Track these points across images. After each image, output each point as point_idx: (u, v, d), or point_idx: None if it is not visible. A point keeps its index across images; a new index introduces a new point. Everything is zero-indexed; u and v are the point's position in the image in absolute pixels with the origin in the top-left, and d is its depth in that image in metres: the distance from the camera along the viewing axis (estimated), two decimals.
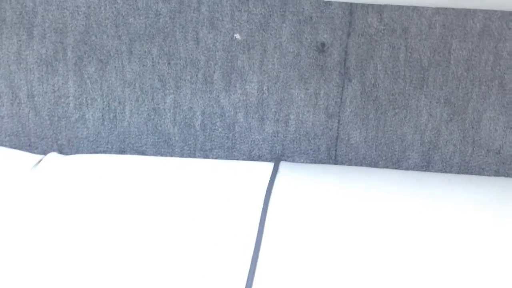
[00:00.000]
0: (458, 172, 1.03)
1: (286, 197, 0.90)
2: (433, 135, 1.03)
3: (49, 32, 1.03)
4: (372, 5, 0.97)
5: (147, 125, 1.07)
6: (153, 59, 1.03)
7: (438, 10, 0.97)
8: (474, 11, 0.96)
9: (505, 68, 0.98)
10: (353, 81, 1.01)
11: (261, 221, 0.85)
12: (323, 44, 1.01)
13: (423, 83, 1.00)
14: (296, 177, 0.95)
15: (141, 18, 1.01)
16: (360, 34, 0.99)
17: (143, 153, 1.08)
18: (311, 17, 0.99)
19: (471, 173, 1.03)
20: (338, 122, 1.04)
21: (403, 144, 1.04)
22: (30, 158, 1.00)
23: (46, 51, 1.04)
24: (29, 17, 1.02)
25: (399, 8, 0.97)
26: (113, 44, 1.03)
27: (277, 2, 0.99)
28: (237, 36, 0.98)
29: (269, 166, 0.98)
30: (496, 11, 0.95)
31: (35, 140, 1.09)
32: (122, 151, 1.08)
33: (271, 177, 0.94)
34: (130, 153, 1.09)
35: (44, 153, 1.06)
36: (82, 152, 1.08)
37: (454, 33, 0.97)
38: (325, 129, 1.04)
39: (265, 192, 0.90)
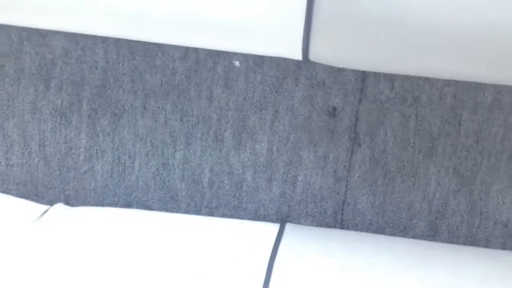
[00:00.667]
0: (465, 243, 1.03)
1: (291, 261, 0.89)
2: (441, 204, 1.03)
3: (66, 84, 1.05)
4: (384, 74, 0.99)
5: (155, 180, 1.07)
6: (166, 115, 1.05)
7: (449, 82, 0.99)
8: (485, 84, 0.98)
9: None
10: (362, 146, 1.02)
11: (264, 284, 0.84)
12: (334, 109, 1.02)
13: (432, 152, 1.01)
14: (302, 241, 0.94)
15: (158, 75, 1.03)
16: (371, 100, 1.01)
17: (149, 207, 1.08)
18: (324, 82, 1.01)
19: (478, 245, 1.02)
20: (346, 186, 1.04)
21: (410, 212, 1.03)
22: (36, 208, 1.00)
23: (62, 102, 1.05)
24: (47, 69, 1.05)
25: (411, 77, 0.99)
26: (128, 99, 1.05)
27: (291, 66, 1.01)
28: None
29: (275, 227, 0.97)
30: (506, 85, 0.97)
31: (43, 190, 1.09)
32: (128, 205, 1.08)
33: (276, 240, 0.93)
34: (136, 207, 1.08)
35: (51, 203, 1.06)
36: (88, 204, 1.08)
37: (464, 105, 0.99)
38: (332, 192, 1.04)
39: (269, 255, 0.89)
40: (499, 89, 0.98)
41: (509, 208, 1.02)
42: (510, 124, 0.99)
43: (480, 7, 0.77)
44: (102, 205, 1.08)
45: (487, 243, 1.02)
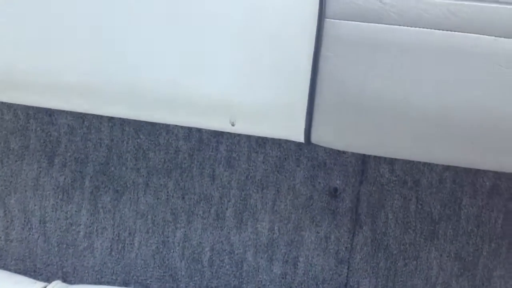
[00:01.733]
0: None
1: None
2: None
3: (70, 161, 1.06)
4: (385, 157, 1.01)
5: (154, 258, 1.06)
6: (168, 192, 1.05)
7: (448, 167, 1.00)
8: (484, 170, 0.99)
9: None
10: (364, 228, 1.02)
11: None
12: (335, 189, 1.03)
13: (434, 236, 1.01)
14: None
15: (161, 153, 1.05)
16: (372, 182, 1.02)
17: (147, 286, 1.07)
18: (325, 163, 1.03)
19: None
20: (348, 268, 1.03)
21: None
22: (34, 285, 0.98)
23: (65, 179, 1.06)
24: (52, 146, 1.06)
25: (411, 161, 1.00)
26: (130, 176, 1.05)
27: (292, 147, 1.03)
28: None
29: None
30: (505, 172, 0.99)
31: (41, 266, 1.08)
32: (126, 283, 1.07)
33: None
34: (134, 286, 1.07)
35: (48, 280, 1.05)
36: (86, 281, 1.07)
37: (464, 189, 1.00)
38: (334, 274, 1.03)
39: None
40: (498, 175, 0.99)
41: None
42: (509, 209, 0.99)
43: (478, 98, 0.79)
44: (100, 283, 1.07)
45: None
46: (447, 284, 1.02)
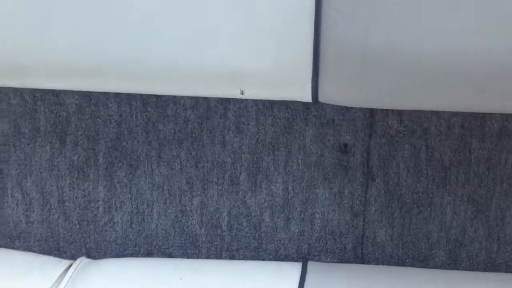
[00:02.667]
0: (485, 270, 1.04)
1: None
2: (459, 232, 1.04)
3: (82, 140, 1.07)
4: (392, 109, 1.02)
5: (174, 227, 1.08)
6: (181, 162, 1.07)
7: (456, 113, 1.01)
8: (491, 113, 1.00)
9: None
10: (376, 180, 1.04)
11: None
12: (345, 145, 1.04)
13: (446, 182, 1.03)
14: (325, 279, 0.95)
15: (170, 124, 1.06)
16: (381, 135, 1.03)
17: (170, 254, 1.09)
18: (333, 120, 1.04)
19: (498, 270, 1.04)
20: (363, 220, 1.05)
21: (429, 242, 1.05)
22: (59, 263, 1.01)
23: (78, 157, 1.07)
24: (62, 126, 1.07)
25: (418, 111, 1.01)
26: (143, 150, 1.06)
27: (300, 107, 1.04)
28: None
29: (297, 267, 0.98)
30: None
31: (64, 245, 1.10)
32: (149, 254, 1.09)
33: (300, 279, 0.94)
34: (157, 255, 1.09)
35: (73, 257, 1.07)
36: (110, 255, 1.09)
37: (473, 134, 1.01)
38: (350, 227, 1.06)
39: None
40: (505, 117, 1.00)
41: None
42: None
43: (482, 41, 0.79)
44: (124, 255, 1.09)
45: (507, 268, 1.03)
46: (462, 228, 1.04)
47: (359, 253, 1.06)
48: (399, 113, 1.02)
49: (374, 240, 1.05)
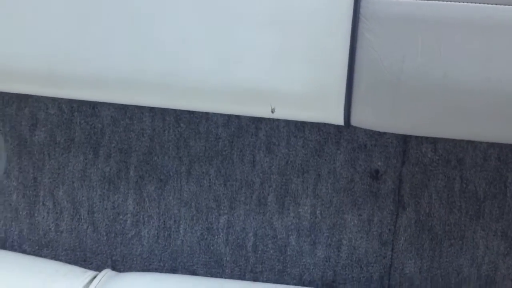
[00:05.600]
0: None
1: None
2: (490, 269, 1.00)
3: (114, 152, 1.08)
4: (427, 137, 1.00)
5: (199, 245, 1.08)
6: (210, 180, 1.07)
7: (492, 144, 0.98)
8: None
9: None
10: (407, 209, 1.02)
11: None
12: (377, 171, 1.03)
13: (479, 215, 1.00)
14: None
15: (202, 141, 1.06)
16: (414, 163, 1.01)
17: (194, 272, 1.09)
18: (365, 145, 1.02)
19: None
20: (392, 250, 1.03)
21: (459, 277, 1.01)
22: (85, 274, 1.02)
23: (110, 169, 1.09)
24: (96, 138, 1.09)
25: (454, 139, 0.99)
26: (173, 165, 1.07)
27: (332, 130, 1.03)
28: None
29: None
30: None
31: (91, 256, 1.11)
32: (174, 270, 1.09)
33: None
34: (182, 272, 1.09)
35: (98, 268, 1.08)
36: (135, 269, 1.10)
37: (509, 167, 0.98)
38: (378, 256, 1.03)
39: None
40: None
41: None
42: None
43: None
44: (148, 270, 1.09)
45: None
46: (494, 263, 1.00)
47: (385, 283, 1.03)
48: (433, 141, 1.00)
49: (402, 271, 1.03)
